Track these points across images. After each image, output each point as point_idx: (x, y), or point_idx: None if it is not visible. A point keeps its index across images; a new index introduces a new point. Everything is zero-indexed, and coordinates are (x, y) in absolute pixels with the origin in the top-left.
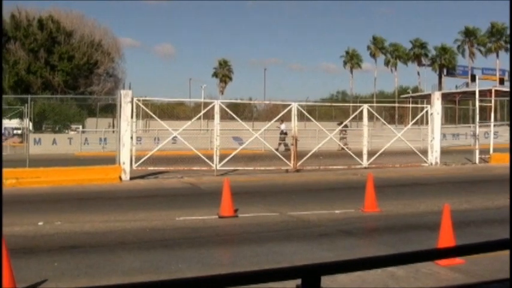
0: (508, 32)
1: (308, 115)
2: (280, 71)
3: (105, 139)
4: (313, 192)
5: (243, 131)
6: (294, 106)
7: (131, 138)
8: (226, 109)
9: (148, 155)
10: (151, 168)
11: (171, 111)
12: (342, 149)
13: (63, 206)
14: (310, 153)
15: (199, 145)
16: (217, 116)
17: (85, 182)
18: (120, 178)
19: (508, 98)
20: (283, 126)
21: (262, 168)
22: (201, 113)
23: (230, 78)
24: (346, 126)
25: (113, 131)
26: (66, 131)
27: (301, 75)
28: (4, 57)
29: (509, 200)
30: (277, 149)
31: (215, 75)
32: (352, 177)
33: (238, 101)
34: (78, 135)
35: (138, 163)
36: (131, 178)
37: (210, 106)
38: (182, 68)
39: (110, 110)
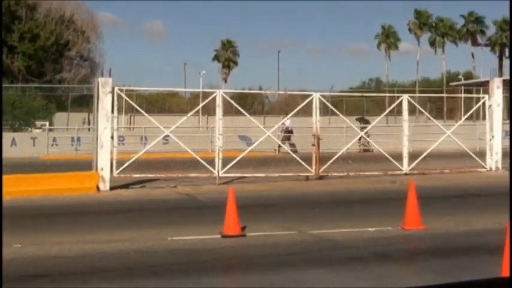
0: None
1: (333, 108)
2: (297, 54)
3: (78, 139)
4: (341, 204)
5: (252, 128)
6: (316, 97)
7: (112, 137)
8: (231, 101)
9: (133, 159)
10: (137, 175)
11: (161, 104)
12: (364, 150)
13: (25, 224)
14: (336, 156)
15: (197, 146)
16: (219, 110)
17: (53, 193)
18: (98, 188)
19: None
20: (288, 123)
21: (276, 174)
22: (199, 106)
23: (235, 63)
24: (366, 121)
25: (89, 129)
26: (29, 129)
27: (324, 58)
28: None
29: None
30: (278, 150)
31: (216, 59)
32: (389, 185)
33: (246, 91)
34: (45, 134)
35: (120, 169)
36: (112, 188)
37: (211, 97)
38: (175, 50)
39: (85, 102)
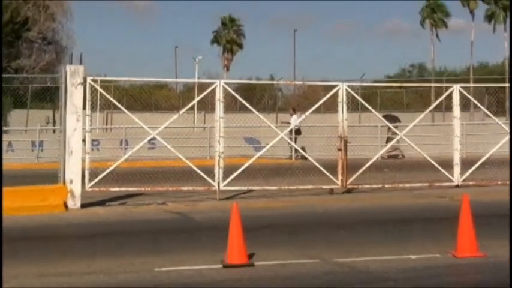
0: None
1: (364, 102)
2: (319, 34)
3: (40, 143)
4: (374, 225)
5: (262, 128)
6: (342, 88)
7: (83, 141)
8: (235, 94)
9: (110, 168)
10: (116, 189)
11: (146, 99)
12: (393, 156)
13: None
14: (368, 164)
15: (192, 152)
16: (219, 106)
17: (8, 213)
18: (66, 205)
19: None
20: (293, 119)
21: (293, 187)
22: (195, 101)
23: (240, 46)
24: (395, 119)
25: (54, 131)
26: None
27: (353, 39)
28: None
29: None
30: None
31: (216, 41)
32: (436, 200)
33: (253, 81)
34: None
35: (94, 181)
36: (83, 205)
37: (209, 90)
38: (164, 31)
39: (49, 96)
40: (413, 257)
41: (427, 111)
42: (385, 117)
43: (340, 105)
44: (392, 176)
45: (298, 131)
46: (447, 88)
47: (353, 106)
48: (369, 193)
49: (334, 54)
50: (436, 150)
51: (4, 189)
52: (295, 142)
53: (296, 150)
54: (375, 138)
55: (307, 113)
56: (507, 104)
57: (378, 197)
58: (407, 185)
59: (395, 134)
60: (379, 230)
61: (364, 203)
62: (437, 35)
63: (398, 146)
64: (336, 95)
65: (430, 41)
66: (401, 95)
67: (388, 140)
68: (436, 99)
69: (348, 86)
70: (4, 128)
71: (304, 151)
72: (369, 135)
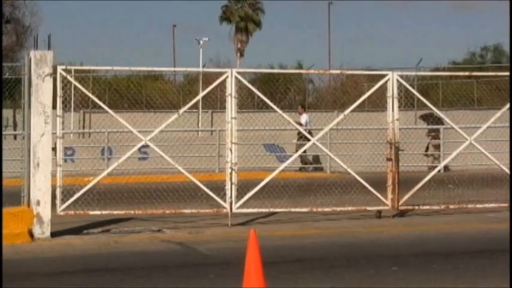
0: None
1: (421, 97)
2: (362, 7)
3: None
4: (437, 259)
5: (286, 131)
6: (393, 78)
7: (54, 149)
8: (251, 87)
9: (89, 185)
10: (97, 212)
11: (135, 94)
12: (432, 167)
13: None
14: (427, 178)
15: (195, 163)
16: (232, 102)
17: None
18: (32, 234)
19: None
20: (304, 120)
21: (328, 209)
22: (199, 96)
23: (257, 24)
24: (436, 120)
25: (15, 136)
26: None
27: (407, 15)
28: None
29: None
30: (303, 168)
31: (226, 18)
32: None
33: (275, 70)
34: None
35: (68, 202)
36: (54, 233)
37: (218, 82)
38: (158, 6)
39: (8, 91)
40: None
41: (504, 109)
42: (424, 117)
43: (390, 100)
44: (459, 193)
45: (310, 135)
46: None
47: (407, 102)
48: (429, 216)
49: (382, 34)
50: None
51: None
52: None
53: (306, 161)
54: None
55: (347, 111)
56: None
57: (440, 221)
58: (479, 206)
59: (437, 138)
60: (443, 266)
61: (422, 229)
62: None
63: (437, 156)
64: (384, 87)
65: (508, 16)
66: (470, 87)
67: (429, 147)
68: None
69: (401, 76)
70: None
71: (319, 161)
72: (427, 140)
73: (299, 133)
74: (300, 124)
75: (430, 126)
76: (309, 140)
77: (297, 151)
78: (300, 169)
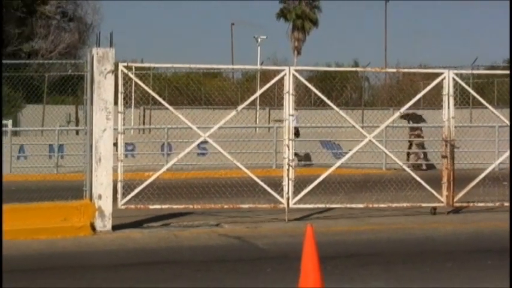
0: None
1: (477, 95)
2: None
3: (60, 148)
4: (492, 255)
5: (343, 129)
6: (449, 77)
7: (115, 145)
8: (308, 84)
9: (150, 180)
10: (157, 206)
11: (195, 91)
12: (417, 166)
13: None
14: (482, 175)
15: (253, 159)
16: (289, 100)
17: (20, 237)
18: (93, 227)
19: None
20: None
21: (384, 205)
22: (257, 94)
23: (314, 23)
24: (418, 119)
25: (77, 132)
26: None
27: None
28: None
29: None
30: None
31: (283, 16)
32: None
33: (332, 68)
34: (6, 140)
35: (129, 196)
36: (115, 227)
37: (276, 79)
38: (217, 4)
39: (71, 88)
40: None
41: None
42: (406, 116)
43: (445, 98)
44: None
45: (296, 133)
46: None
47: (462, 100)
48: (484, 213)
49: (438, 32)
50: None
51: (15, 206)
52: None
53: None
54: (491, 142)
55: (403, 109)
56: None
57: (495, 218)
58: None
59: (419, 136)
60: (498, 262)
61: (477, 226)
62: None
63: (420, 154)
64: (440, 85)
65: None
66: None
67: (411, 145)
68: None
69: (457, 74)
70: (14, 128)
71: (309, 158)
72: (483, 138)
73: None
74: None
75: (426, 124)
76: (296, 136)
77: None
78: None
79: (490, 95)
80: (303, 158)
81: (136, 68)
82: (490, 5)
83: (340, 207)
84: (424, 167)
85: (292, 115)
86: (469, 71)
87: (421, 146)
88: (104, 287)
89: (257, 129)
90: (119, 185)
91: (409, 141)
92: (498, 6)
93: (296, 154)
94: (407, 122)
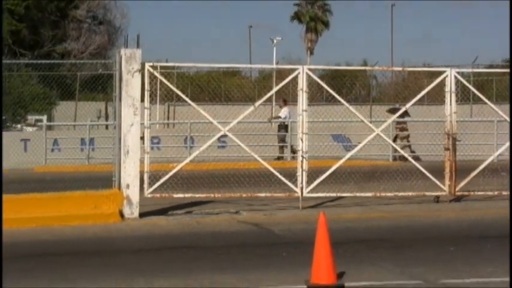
0: None
1: (477, 92)
2: (423, 7)
3: (91, 141)
4: (490, 240)
5: (353, 123)
6: (451, 75)
7: (142, 138)
8: (321, 82)
9: (174, 171)
10: (180, 195)
11: (215, 88)
12: (401, 158)
13: (12, 268)
14: (482, 166)
15: (269, 152)
16: (303, 96)
17: (54, 223)
18: (122, 214)
19: None
20: (284, 113)
21: (390, 194)
22: (273, 91)
23: (326, 25)
24: (404, 114)
25: (107, 126)
26: (19, 126)
27: (467, 13)
28: None
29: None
30: (281, 157)
31: (297, 18)
32: None
33: (342, 67)
34: (41, 133)
35: (154, 186)
36: (142, 214)
37: (290, 78)
38: (236, 7)
39: (101, 86)
40: None
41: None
42: (391, 111)
43: (448, 95)
44: None
45: (286, 127)
46: None
47: (463, 96)
48: (483, 202)
49: (441, 33)
50: None
51: (49, 194)
52: (284, 140)
53: (283, 149)
54: (490, 135)
55: (408, 105)
56: None
57: (494, 206)
58: None
59: (405, 130)
60: (496, 247)
61: (477, 213)
62: None
63: (406, 145)
64: (442, 83)
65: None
66: None
67: (396, 138)
68: None
69: (458, 73)
70: (49, 123)
71: (295, 149)
72: (482, 131)
73: (279, 125)
74: (279, 117)
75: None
76: (286, 131)
77: (279, 142)
78: (278, 158)
79: (489, 92)
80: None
81: (161, 67)
82: (491, 5)
83: (350, 196)
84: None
85: (284, 113)
86: (470, 70)
87: (406, 139)
88: (134, 269)
89: (273, 123)
90: (146, 176)
91: (396, 134)
92: (498, 8)
93: (291, 147)
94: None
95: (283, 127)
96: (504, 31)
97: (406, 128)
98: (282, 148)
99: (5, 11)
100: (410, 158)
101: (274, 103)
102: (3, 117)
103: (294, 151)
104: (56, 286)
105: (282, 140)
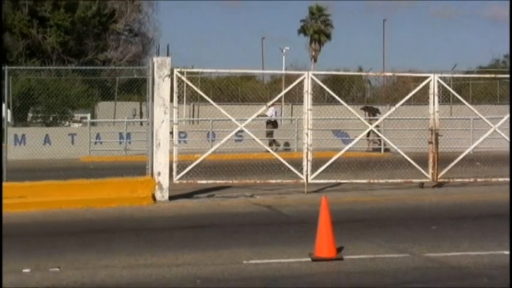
0: None
1: (456, 94)
2: (411, 22)
3: (128, 135)
4: (467, 220)
5: (350, 121)
6: (434, 80)
7: (171, 133)
8: (323, 85)
9: (198, 161)
10: (203, 181)
11: (233, 91)
12: (374, 149)
13: (64, 243)
14: (460, 157)
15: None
16: (308, 98)
17: (97, 205)
18: (154, 198)
19: None
20: (270, 112)
21: (382, 181)
22: (282, 93)
23: (328, 37)
24: (374, 111)
25: (141, 123)
26: (67, 123)
27: (448, 27)
28: None
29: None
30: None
31: (303, 31)
32: None
33: (341, 72)
34: (86, 129)
35: (182, 173)
36: (171, 197)
37: (297, 81)
38: (250, 21)
39: (136, 88)
40: (507, 252)
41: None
42: (364, 109)
43: (431, 97)
44: (485, 170)
45: (275, 124)
46: None
47: (444, 98)
48: (461, 187)
49: (425, 43)
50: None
51: (93, 180)
52: (272, 135)
53: (272, 143)
54: (467, 131)
55: (397, 105)
56: None
57: (470, 191)
58: (501, 179)
59: (377, 126)
60: (472, 225)
61: (455, 197)
62: None
63: (376, 140)
64: (427, 86)
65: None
66: (494, 86)
67: (370, 133)
68: None
69: (440, 78)
70: (92, 120)
71: (278, 144)
72: (460, 128)
73: (267, 122)
74: (265, 115)
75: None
76: (275, 127)
77: (267, 136)
78: (267, 151)
79: (466, 94)
80: (282, 145)
81: (188, 73)
82: (468, 21)
83: (348, 182)
84: (382, 150)
85: (273, 110)
86: (450, 75)
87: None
88: (165, 243)
89: (282, 120)
90: (174, 165)
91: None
92: (474, 23)
93: (274, 141)
94: (367, 115)
95: (270, 123)
96: (479, 43)
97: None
98: (272, 143)
99: (54, 25)
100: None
101: (283, 103)
102: (53, 115)
103: (277, 144)
104: (100, 258)
105: (269, 134)
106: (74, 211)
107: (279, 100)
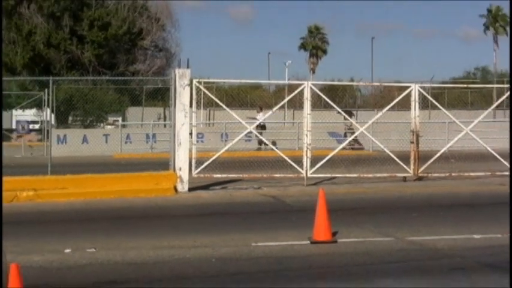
0: None
1: (434, 101)
2: (394, 40)
3: (153, 136)
4: (443, 209)
5: (343, 123)
6: (415, 88)
7: (190, 134)
8: (320, 93)
9: (213, 158)
10: (218, 175)
11: (243, 98)
12: (355, 148)
13: (99, 227)
14: (437, 155)
15: (283, 144)
16: (307, 104)
17: (127, 195)
18: (176, 189)
19: None
20: (260, 116)
21: (370, 175)
22: (285, 100)
23: (324, 52)
24: (349, 114)
25: (165, 125)
26: (101, 125)
27: (427, 44)
28: (15, 26)
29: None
30: (259, 148)
31: (303, 47)
32: (498, 188)
33: (336, 82)
34: (117, 130)
35: (199, 168)
36: (190, 189)
37: (298, 90)
38: (258, 38)
39: (161, 96)
40: (477, 236)
41: (489, 109)
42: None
43: (412, 104)
44: (458, 165)
45: (264, 127)
46: (507, 89)
47: (424, 104)
48: (438, 181)
49: (408, 58)
50: (498, 143)
51: (124, 174)
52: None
53: (261, 143)
54: (443, 132)
55: (384, 110)
56: None
57: (445, 184)
58: (472, 174)
59: (352, 128)
60: (447, 213)
61: (433, 189)
62: (497, 42)
63: (355, 139)
64: (409, 94)
65: (492, 46)
66: (466, 94)
67: (346, 133)
68: (498, 98)
69: (420, 87)
70: (123, 123)
71: (275, 144)
72: (437, 130)
73: (257, 126)
74: (255, 119)
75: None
76: (263, 129)
77: (256, 137)
78: (258, 149)
79: (442, 101)
80: (268, 145)
81: (205, 82)
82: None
83: (341, 176)
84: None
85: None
86: (429, 85)
87: (352, 134)
88: (185, 228)
89: (285, 123)
90: (193, 161)
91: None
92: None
93: (261, 142)
94: (344, 118)
95: (260, 127)
96: (453, 58)
97: (351, 126)
98: (261, 144)
99: (90, 42)
100: (385, 149)
101: (286, 109)
102: (90, 118)
103: (265, 144)
104: (129, 240)
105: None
106: (108, 200)
107: (283, 106)
